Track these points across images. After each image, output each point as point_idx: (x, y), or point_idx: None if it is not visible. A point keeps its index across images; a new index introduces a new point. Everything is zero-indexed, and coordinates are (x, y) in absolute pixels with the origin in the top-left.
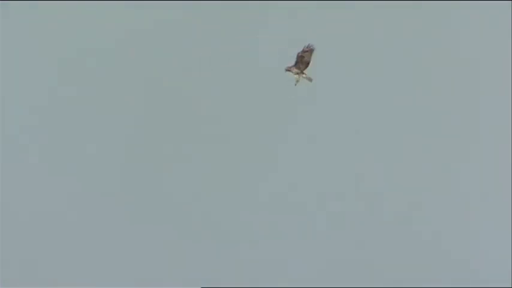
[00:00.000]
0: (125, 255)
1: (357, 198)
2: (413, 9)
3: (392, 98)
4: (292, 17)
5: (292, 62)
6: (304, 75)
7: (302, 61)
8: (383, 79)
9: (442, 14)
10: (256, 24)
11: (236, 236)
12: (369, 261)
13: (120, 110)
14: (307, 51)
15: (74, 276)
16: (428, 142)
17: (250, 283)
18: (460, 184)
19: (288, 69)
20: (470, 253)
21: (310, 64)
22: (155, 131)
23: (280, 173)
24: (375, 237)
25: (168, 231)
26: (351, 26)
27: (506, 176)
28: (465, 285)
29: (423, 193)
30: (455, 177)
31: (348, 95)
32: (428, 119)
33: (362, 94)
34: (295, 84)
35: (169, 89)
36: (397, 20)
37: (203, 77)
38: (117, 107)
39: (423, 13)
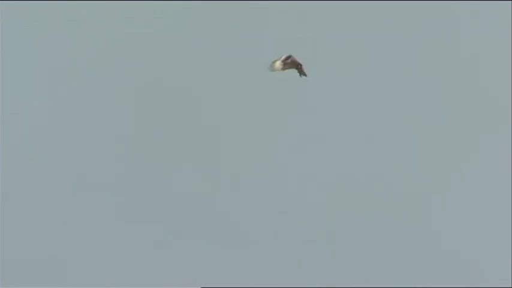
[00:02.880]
0: (125, 255)
1: (358, 198)
2: (412, 10)
3: (394, 98)
4: (292, 16)
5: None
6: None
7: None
8: (384, 79)
9: (442, 14)
10: (255, 24)
11: (236, 235)
12: (368, 261)
13: (120, 110)
14: (288, 61)
15: (74, 276)
16: (430, 142)
17: (250, 283)
18: (460, 184)
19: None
20: (471, 253)
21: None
22: (155, 130)
23: (281, 172)
24: (375, 237)
25: (168, 231)
26: (351, 26)
27: (506, 176)
28: (465, 285)
29: (423, 193)
30: (455, 178)
31: (350, 95)
32: (430, 119)
33: (364, 94)
34: (300, 76)
35: (170, 88)
36: (397, 19)
37: (204, 77)
38: (117, 107)
39: (422, 13)
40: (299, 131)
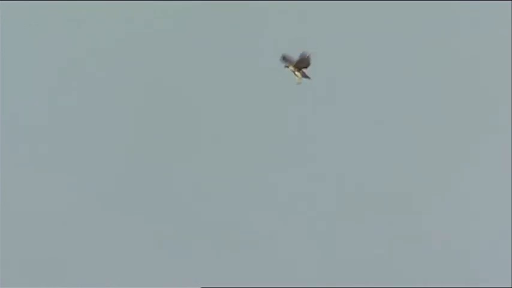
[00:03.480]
0: (125, 255)
1: (358, 198)
2: (412, 10)
3: (394, 99)
4: (292, 16)
5: (292, 60)
6: (300, 74)
7: (301, 65)
8: (384, 79)
9: (441, 14)
10: (256, 24)
11: (236, 236)
12: (368, 261)
13: (120, 110)
14: (304, 59)
15: (74, 276)
16: (429, 143)
17: (250, 283)
18: (460, 184)
19: (287, 66)
20: (471, 253)
21: (308, 67)
22: (156, 130)
23: (280, 173)
24: (374, 237)
25: (168, 231)
26: (351, 26)
27: (507, 176)
28: (465, 285)
29: (423, 193)
30: (456, 177)
31: (350, 95)
32: (430, 119)
33: (364, 94)
34: (297, 84)
35: (171, 88)
36: (397, 19)
37: (204, 77)
38: (117, 106)
39: (422, 13)
40: (299, 131)
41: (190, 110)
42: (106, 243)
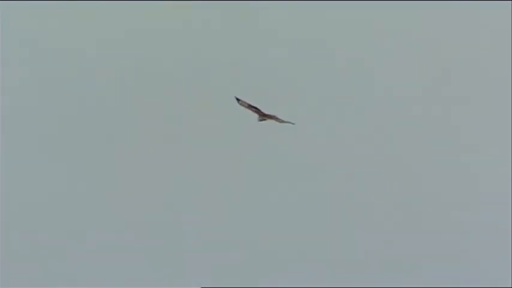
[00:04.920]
0: (125, 255)
1: (356, 197)
2: (412, 10)
3: (393, 97)
4: (291, 15)
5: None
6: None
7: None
8: (384, 78)
9: (441, 14)
10: (255, 24)
11: (236, 235)
12: (368, 260)
13: (121, 111)
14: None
15: (74, 276)
16: (429, 142)
17: (250, 283)
18: (460, 183)
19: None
20: (470, 252)
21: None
22: (156, 130)
23: (279, 173)
24: (373, 236)
25: (169, 231)
26: (351, 26)
27: (506, 175)
28: (465, 285)
29: (422, 192)
30: (455, 176)
31: (350, 94)
32: (430, 117)
33: (364, 93)
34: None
35: (168, 88)
36: (397, 19)
37: (204, 78)
38: (117, 108)
39: (422, 13)
40: (299, 129)
41: (190, 111)
42: (106, 243)
